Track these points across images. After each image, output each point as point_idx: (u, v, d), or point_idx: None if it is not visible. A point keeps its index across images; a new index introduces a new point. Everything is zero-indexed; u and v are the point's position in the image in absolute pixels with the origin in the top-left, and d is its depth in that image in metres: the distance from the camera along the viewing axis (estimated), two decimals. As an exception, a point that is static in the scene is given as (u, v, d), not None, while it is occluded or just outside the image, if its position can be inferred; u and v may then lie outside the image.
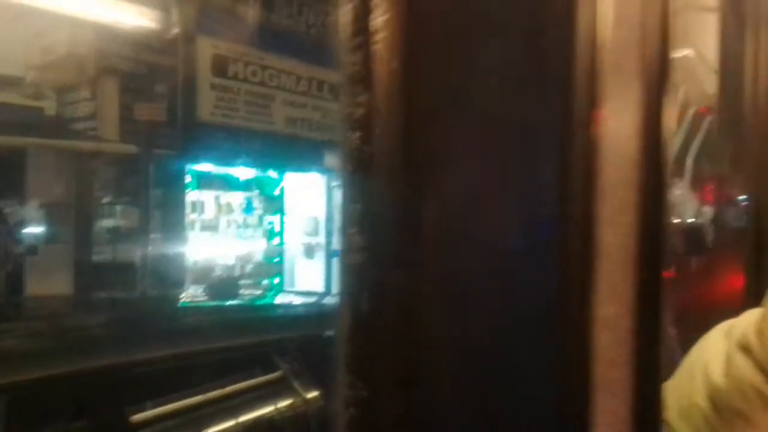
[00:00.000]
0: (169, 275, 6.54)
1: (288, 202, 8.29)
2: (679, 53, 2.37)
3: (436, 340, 0.34)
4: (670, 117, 0.36)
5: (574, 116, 0.29)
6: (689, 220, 2.24)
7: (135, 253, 6.43)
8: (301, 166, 7.55)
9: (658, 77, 0.34)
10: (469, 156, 0.29)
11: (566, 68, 0.28)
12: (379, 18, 0.27)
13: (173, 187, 6.71)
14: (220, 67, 6.33)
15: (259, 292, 7.94)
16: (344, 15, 0.28)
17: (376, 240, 0.31)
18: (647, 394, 0.41)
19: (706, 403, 0.63)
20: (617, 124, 0.32)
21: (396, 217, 0.30)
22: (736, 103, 1.33)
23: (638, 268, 0.38)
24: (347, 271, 0.33)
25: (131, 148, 6.11)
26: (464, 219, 0.30)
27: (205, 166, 7.12)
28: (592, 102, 0.29)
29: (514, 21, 0.28)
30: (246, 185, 7.94)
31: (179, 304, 6.45)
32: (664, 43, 0.34)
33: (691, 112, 2.92)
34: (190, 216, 7.23)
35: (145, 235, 6.45)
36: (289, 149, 7.20)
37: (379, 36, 0.28)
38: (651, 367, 0.41)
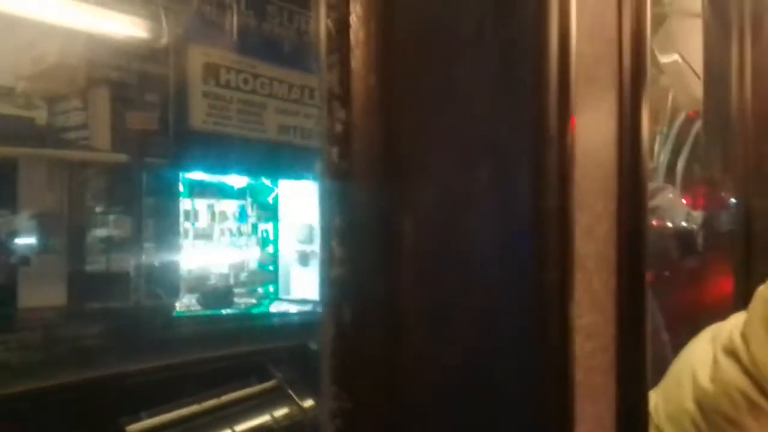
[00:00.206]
0: (163, 284, 6.51)
1: (282, 210, 8.28)
2: (667, 58, 2.39)
3: (417, 350, 0.34)
4: (647, 127, 0.37)
5: (549, 128, 0.29)
6: (680, 224, 2.25)
7: (128, 262, 6.40)
8: (294, 173, 7.55)
9: (633, 88, 0.35)
10: (446, 169, 0.29)
11: (540, 81, 0.29)
12: (355, 36, 0.28)
13: (166, 196, 6.69)
14: (211, 75, 6.33)
15: (253, 300, 7.91)
16: (321, 33, 0.29)
17: (356, 252, 0.31)
18: (631, 400, 0.41)
19: (693, 408, 0.64)
20: (593, 135, 0.33)
21: (376, 230, 0.31)
22: (722, 108, 1.35)
23: (619, 276, 0.39)
24: (329, 283, 0.33)
25: (123, 157, 6.10)
26: (443, 231, 0.31)
27: (197, 175, 7.10)
28: (567, 114, 0.30)
29: (488, 36, 0.29)
30: (239, 193, 7.93)
31: (173, 314, 6.42)
32: (640, 54, 0.34)
33: (680, 116, 2.94)
34: (184, 224, 7.21)
35: (138, 244, 6.43)
36: (282, 157, 7.20)
37: (356, 53, 0.28)
38: (634, 374, 0.41)
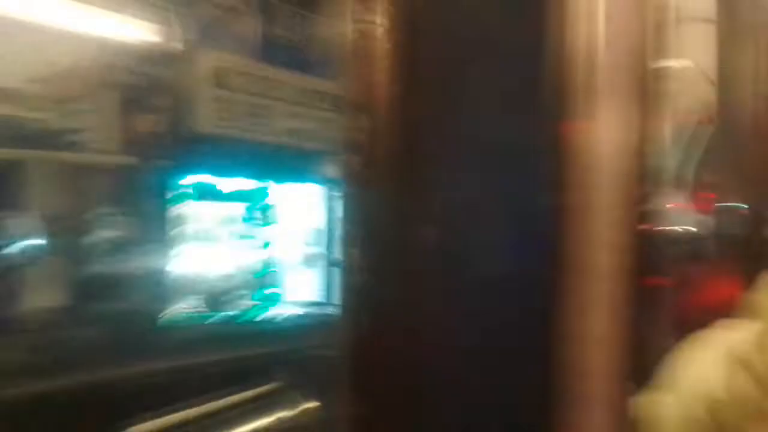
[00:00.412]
0: (167, 287, 6.53)
1: (287, 212, 8.30)
2: (678, 64, 2.37)
3: (434, 356, 0.34)
4: (663, 137, 0.37)
5: (566, 139, 0.29)
6: (689, 229, 2.24)
7: (133, 264, 6.42)
8: (300, 176, 7.57)
9: (649, 100, 0.35)
10: (465, 179, 0.30)
11: (558, 92, 0.29)
12: (379, 48, 0.28)
13: (172, 199, 6.72)
14: (220, 78, 6.35)
15: (258, 302, 7.93)
16: (346, 44, 0.29)
17: (376, 260, 0.31)
18: (636, 407, 0.41)
19: (706, 417, 0.63)
20: (609, 145, 0.33)
21: (395, 238, 0.31)
22: (734, 113, 1.34)
23: (629, 283, 0.39)
24: (348, 289, 0.34)
25: (131, 160, 6.12)
26: (460, 239, 0.31)
27: (204, 177, 7.13)
28: (584, 124, 0.30)
29: (507, 48, 0.29)
30: (245, 196, 7.96)
31: (177, 316, 6.43)
32: (656, 66, 0.35)
33: (691, 122, 2.92)
34: (189, 227, 7.24)
35: (143, 246, 6.45)
36: (289, 159, 7.22)
37: (380, 65, 0.28)
38: (642, 381, 0.41)
